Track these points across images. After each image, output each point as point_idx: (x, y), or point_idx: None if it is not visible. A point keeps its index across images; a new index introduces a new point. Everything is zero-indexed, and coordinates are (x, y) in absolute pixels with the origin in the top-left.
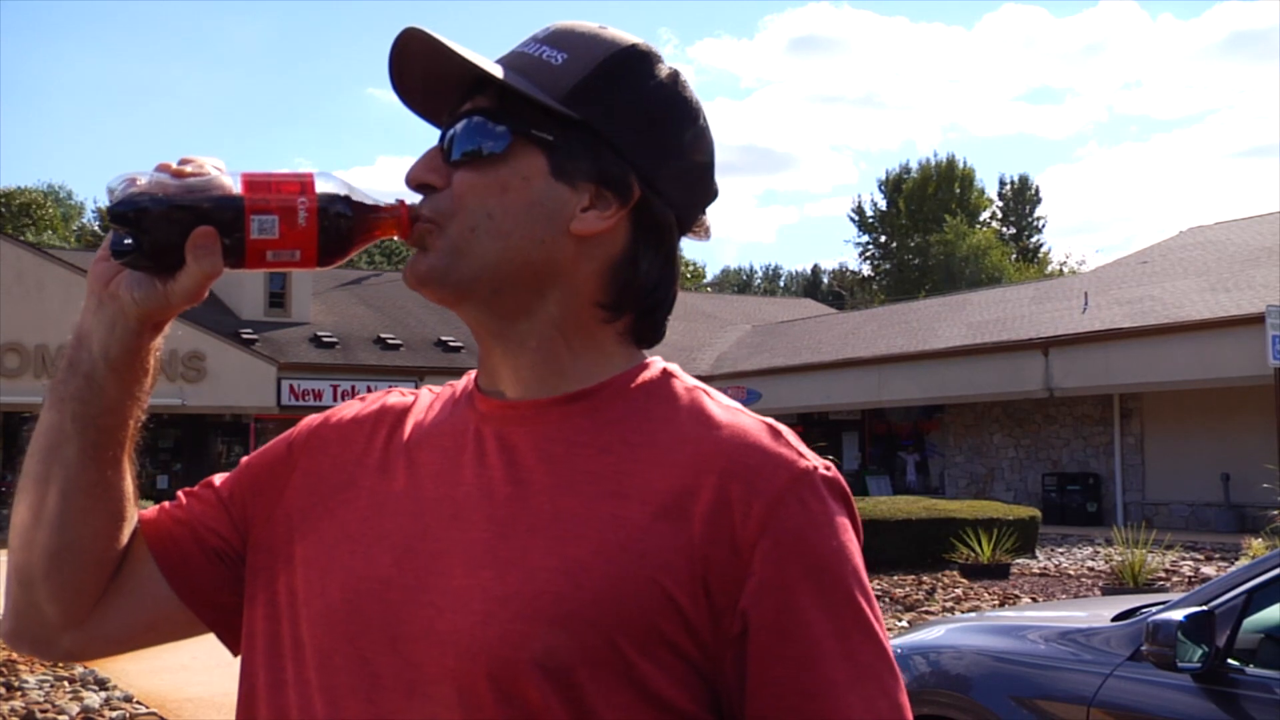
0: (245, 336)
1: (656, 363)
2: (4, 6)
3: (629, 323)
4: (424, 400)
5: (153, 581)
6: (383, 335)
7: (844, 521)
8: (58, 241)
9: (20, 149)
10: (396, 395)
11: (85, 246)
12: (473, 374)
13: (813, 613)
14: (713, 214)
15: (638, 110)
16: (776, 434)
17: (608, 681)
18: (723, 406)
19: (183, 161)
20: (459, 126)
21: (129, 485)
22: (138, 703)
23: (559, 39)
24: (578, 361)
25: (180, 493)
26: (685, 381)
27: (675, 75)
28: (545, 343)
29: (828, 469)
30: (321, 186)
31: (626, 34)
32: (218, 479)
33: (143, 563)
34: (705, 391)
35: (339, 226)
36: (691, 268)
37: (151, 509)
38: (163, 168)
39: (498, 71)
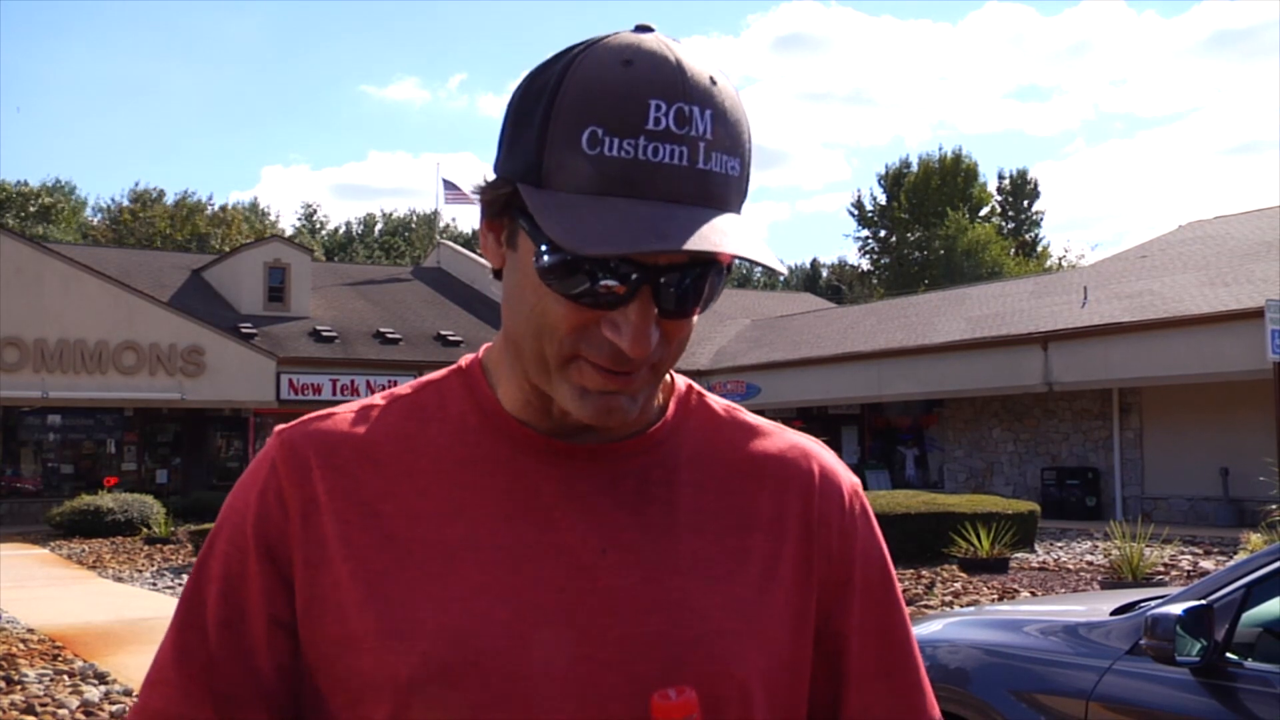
0: (244, 331)
1: (678, 380)
2: (3, 6)
3: None
4: (402, 433)
5: None
6: (382, 330)
7: None
8: (61, 236)
9: (19, 144)
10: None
11: (88, 242)
12: (470, 398)
13: (895, 601)
14: None
15: None
16: (828, 450)
17: (780, 701)
18: (768, 424)
19: None
20: (708, 285)
21: None
22: (138, 697)
23: (731, 139)
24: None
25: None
26: (716, 400)
27: None
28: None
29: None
30: None
31: (735, 86)
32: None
33: None
34: (737, 409)
35: None
36: None
37: None
38: None
39: (776, 265)
